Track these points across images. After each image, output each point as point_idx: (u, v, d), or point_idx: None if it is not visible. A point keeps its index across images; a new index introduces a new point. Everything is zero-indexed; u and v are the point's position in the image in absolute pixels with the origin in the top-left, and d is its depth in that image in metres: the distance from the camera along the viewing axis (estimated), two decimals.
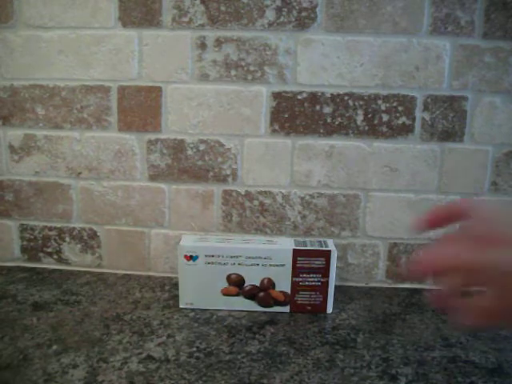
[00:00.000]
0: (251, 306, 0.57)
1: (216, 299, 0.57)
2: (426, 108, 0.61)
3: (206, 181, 0.65)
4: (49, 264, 0.70)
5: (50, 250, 0.69)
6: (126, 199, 0.66)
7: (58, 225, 0.68)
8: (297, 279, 0.56)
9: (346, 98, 0.62)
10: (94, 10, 0.61)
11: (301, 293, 0.56)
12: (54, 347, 0.48)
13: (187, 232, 0.66)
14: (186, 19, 0.61)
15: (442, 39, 0.59)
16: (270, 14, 0.60)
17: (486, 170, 0.62)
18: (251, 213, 0.65)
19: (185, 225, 0.67)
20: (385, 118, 0.62)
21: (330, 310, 0.57)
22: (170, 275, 0.68)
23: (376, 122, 0.62)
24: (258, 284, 0.56)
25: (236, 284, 0.56)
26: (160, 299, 0.60)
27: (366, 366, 0.46)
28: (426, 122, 0.62)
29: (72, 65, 0.63)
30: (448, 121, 0.62)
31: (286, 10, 0.60)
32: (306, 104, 0.62)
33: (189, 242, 0.56)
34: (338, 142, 0.63)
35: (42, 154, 0.66)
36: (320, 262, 0.55)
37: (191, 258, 0.56)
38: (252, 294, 0.57)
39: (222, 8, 0.60)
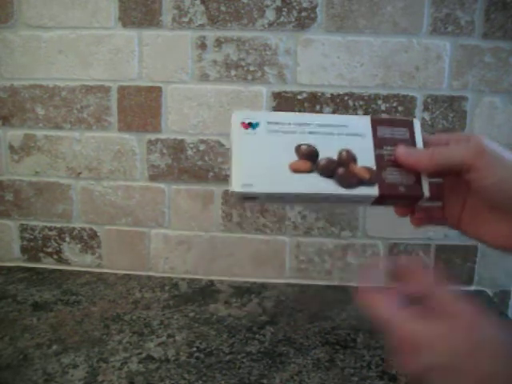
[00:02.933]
0: (329, 185, 0.40)
1: (283, 178, 0.40)
2: (426, 108, 0.61)
3: (206, 181, 0.65)
4: (49, 264, 0.70)
5: (50, 250, 0.69)
6: (126, 199, 0.66)
7: (58, 225, 0.68)
8: (381, 152, 0.42)
9: (346, 98, 0.62)
10: (94, 10, 0.61)
11: (388, 169, 0.41)
12: (54, 347, 0.48)
13: (187, 232, 0.66)
14: (186, 19, 0.61)
15: (442, 39, 0.59)
16: (270, 14, 0.60)
17: None
18: (251, 213, 0.65)
19: (185, 225, 0.67)
20: None
21: (427, 193, 0.40)
22: (170, 275, 0.68)
23: None
24: (335, 157, 0.41)
25: (308, 157, 0.41)
26: (160, 299, 0.60)
27: (365, 366, 0.46)
28: (426, 122, 0.62)
29: (72, 65, 0.63)
30: (448, 121, 0.62)
31: (285, 10, 0.60)
32: (306, 104, 0.62)
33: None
34: None
35: (41, 154, 0.66)
36: (403, 133, 0.42)
37: (250, 125, 0.41)
38: (329, 170, 0.41)
39: (222, 8, 0.60)
